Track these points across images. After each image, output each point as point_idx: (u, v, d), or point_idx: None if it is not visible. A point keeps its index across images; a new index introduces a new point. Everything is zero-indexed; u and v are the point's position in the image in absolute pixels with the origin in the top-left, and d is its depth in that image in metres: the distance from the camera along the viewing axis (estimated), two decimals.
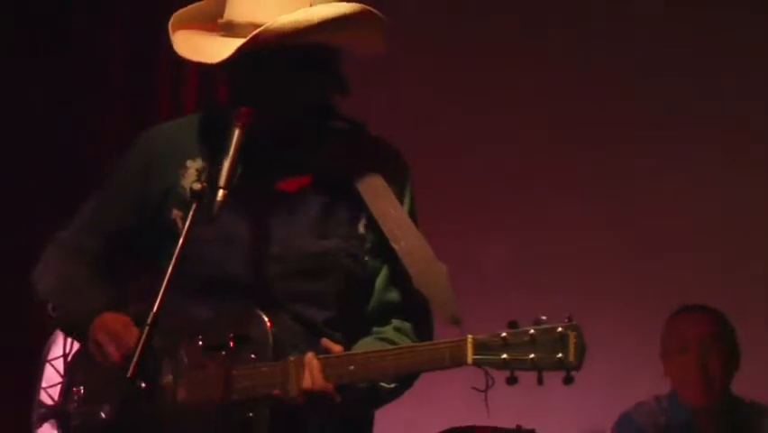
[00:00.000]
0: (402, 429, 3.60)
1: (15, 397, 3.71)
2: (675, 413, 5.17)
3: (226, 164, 3.06)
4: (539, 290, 5.64)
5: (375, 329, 3.22)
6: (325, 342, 3.07)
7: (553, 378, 5.31)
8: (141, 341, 2.95)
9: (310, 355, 3.04)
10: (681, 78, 6.08)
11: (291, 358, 3.04)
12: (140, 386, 3.02)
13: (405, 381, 3.14)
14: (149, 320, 2.96)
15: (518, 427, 4.91)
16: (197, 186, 3.02)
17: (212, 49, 3.16)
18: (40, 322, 3.45)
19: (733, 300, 5.47)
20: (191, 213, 3.03)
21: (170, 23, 3.24)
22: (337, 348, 3.05)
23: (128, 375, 2.92)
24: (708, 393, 5.08)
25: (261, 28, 3.05)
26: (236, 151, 3.08)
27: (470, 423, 4.91)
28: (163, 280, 2.98)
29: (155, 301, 2.98)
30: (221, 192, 3.02)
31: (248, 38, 3.05)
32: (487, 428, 4.86)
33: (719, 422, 5.15)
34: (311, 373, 3.02)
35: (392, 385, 3.11)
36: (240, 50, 3.06)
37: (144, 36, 5.85)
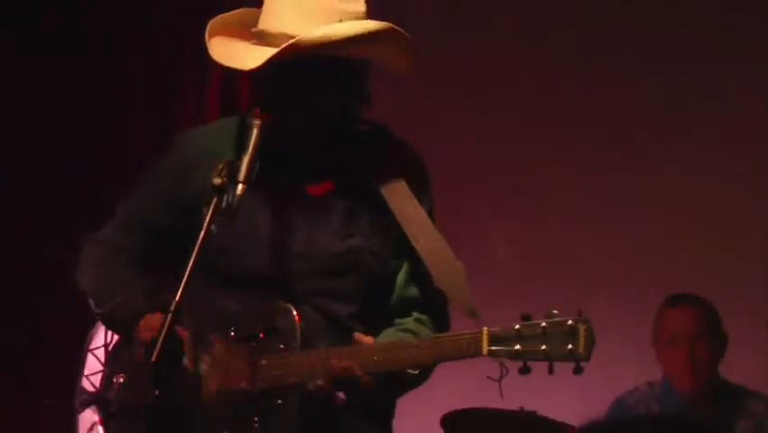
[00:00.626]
0: (409, 412, 3.68)
1: (60, 385, 3.73)
2: (666, 399, 5.23)
3: (245, 160, 3.09)
4: (547, 282, 5.65)
5: (397, 321, 3.27)
6: (358, 335, 3.15)
7: (560, 366, 5.41)
8: (165, 327, 3.00)
9: (339, 347, 3.12)
10: (681, 77, 6.05)
11: (321, 348, 3.12)
12: (163, 369, 3.05)
13: (427, 368, 3.18)
14: (171, 308, 3.00)
15: (521, 408, 4.91)
16: (218, 181, 3.07)
17: (245, 56, 3.22)
18: (83, 314, 3.53)
19: (727, 288, 5.54)
20: (212, 206, 3.07)
21: (207, 29, 3.30)
22: (368, 339, 3.13)
23: (152, 359, 2.98)
24: (697, 381, 5.15)
25: (294, 39, 3.12)
26: (254, 148, 3.12)
27: (475, 405, 4.96)
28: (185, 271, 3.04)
29: (178, 290, 3.02)
30: (240, 186, 3.06)
31: (281, 48, 3.12)
32: (491, 409, 4.90)
33: (708, 406, 5.20)
34: (340, 362, 3.09)
35: (416, 372, 3.14)
36: (272, 59, 3.12)
37: (173, 45, 5.90)
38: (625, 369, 5.41)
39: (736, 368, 5.28)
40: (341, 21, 3.16)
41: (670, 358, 5.19)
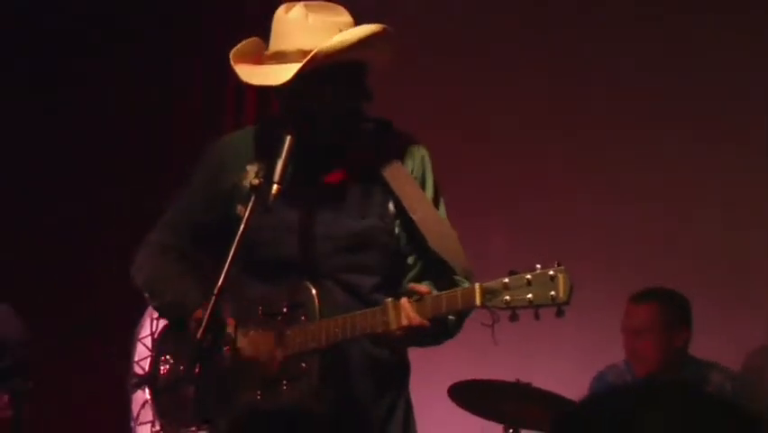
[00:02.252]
0: (420, 382, 3.58)
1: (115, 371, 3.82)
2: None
3: (279, 164, 3.24)
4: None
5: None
6: (413, 285, 3.24)
7: (550, 341, 5.38)
8: (209, 309, 3.14)
9: (404, 300, 3.18)
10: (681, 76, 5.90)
11: (389, 301, 3.19)
12: (207, 346, 3.18)
13: (461, 317, 3.28)
14: (215, 291, 3.15)
15: (517, 380, 4.95)
16: (256, 181, 3.21)
17: (273, 74, 3.31)
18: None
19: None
20: (250, 204, 3.20)
21: (231, 57, 3.40)
22: (424, 289, 3.20)
23: (198, 337, 3.14)
24: (641, 368, 5.17)
25: (316, 50, 3.25)
26: (288, 153, 3.26)
27: (478, 377, 5.03)
28: (227, 260, 3.17)
29: (220, 277, 3.16)
30: (275, 187, 3.21)
31: (307, 59, 3.24)
32: (490, 380, 5.01)
33: (672, 375, 5.11)
34: (407, 313, 3.17)
35: (453, 318, 3.26)
36: (301, 70, 3.24)
37: (216, 65, 5.74)
38: (610, 349, 5.35)
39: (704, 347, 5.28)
40: (341, 31, 3.31)
41: (627, 345, 5.24)
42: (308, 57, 3.24)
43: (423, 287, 3.21)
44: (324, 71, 3.30)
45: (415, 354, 3.48)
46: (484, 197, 5.96)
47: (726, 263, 5.70)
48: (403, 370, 3.48)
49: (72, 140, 6.15)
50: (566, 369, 5.46)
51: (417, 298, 3.18)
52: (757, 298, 5.59)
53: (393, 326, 3.18)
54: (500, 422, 5.09)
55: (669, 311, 5.21)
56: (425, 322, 3.16)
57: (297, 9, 3.36)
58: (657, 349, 5.18)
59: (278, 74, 3.30)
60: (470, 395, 5.09)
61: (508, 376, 5.00)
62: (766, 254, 5.62)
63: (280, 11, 3.39)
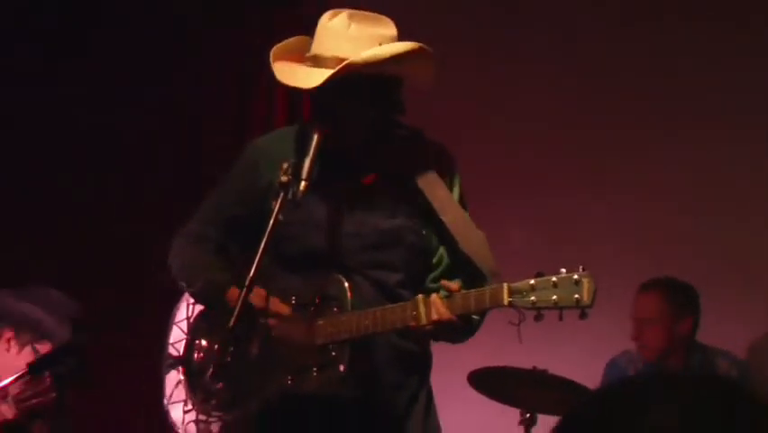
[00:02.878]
0: (441, 370, 3.64)
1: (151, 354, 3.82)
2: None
3: (307, 162, 3.26)
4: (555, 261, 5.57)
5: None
6: (444, 282, 3.27)
7: (564, 330, 5.41)
8: (240, 299, 3.17)
9: (435, 296, 3.22)
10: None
11: (420, 297, 3.23)
12: (236, 334, 3.19)
13: (483, 316, 3.31)
14: (246, 283, 3.18)
15: (534, 367, 4.98)
16: (284, 178, 3.23)
17: (305, 76, 3.35)
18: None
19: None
20: (279, 200, 3.22)
21: (271, 55, 3.44)
22: (455, 286, 3.24)
23: (229, 325, 3.16)
24: (645, 355, 5.24)
25: (348, 60, 3.27)
26: (315, 152, 3.28)
27: (497, 364, 5.02)
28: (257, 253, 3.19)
29: (251, 268, 3.19)
30: (303, 184, 3.23)
31: (337, 68, 3.27)
32: (508, 368, 5.01)
33: (678, 363, 5.20)
34: (437, 308, 3.21)
35: (477, 317, 3.29)
36: (331, 78, 3.27)
37: (248, 69, 5.99)
38: (622, 337, 5.33)
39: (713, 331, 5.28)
40: (380, 44, 3.33)
41: (631, 333, 5.26)
42: (340, 66, 3.27)
43: (454, 284, 3.24)
44: (355, 81, 3.32)
45: (437, 344, 3.50)
46: (501, 192, 5.95)
47: (735, 254, 5.72)
48: (426, 361, 3.52)
49: (108, 134, 6.16)
50: (580, 356, 5.46)
51: (447, 294, 3.22)
52: (764, 287, 5.65)
53: (424, 320, 3.22)
54: (518, 407, 5.10)
55: (673, 300, 5.22)
56: (454, 318, 3.20)
57: (341, 17, 3.38)
58: (661, 337, 5.21)
59: (310, 78, 3.34)
60: (488, 382, 5.11)
61: (525, 364, 5.00)
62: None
63: (325, 17, 3.42)
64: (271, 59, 3.44)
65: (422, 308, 3.23)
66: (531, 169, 6.10)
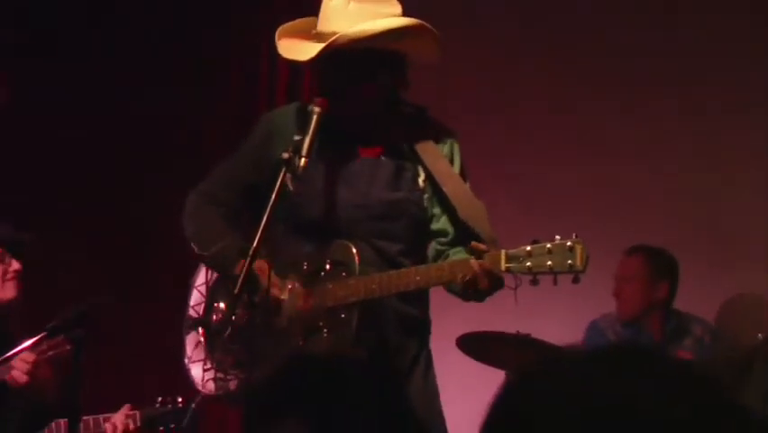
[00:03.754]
0: (432, 334, 3.65)
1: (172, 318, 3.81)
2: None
3: (307, 139, 3.27)
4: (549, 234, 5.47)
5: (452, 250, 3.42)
6: (474, 244, 3.22)
7: (546, 298, 5.36)
8: (245, 267, 3.20)
9: (473, 260, 3.18)
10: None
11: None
12: (244, 299, 3.25)
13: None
14: (250, 252, 3.20)
15: (517, 332, 5.06)
16: (285, 155, 3.25)
17: (303, 50, 3.40)
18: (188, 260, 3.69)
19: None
20: (281, 175, 3.24)
21: (277, 33, 3.48)
22: (483, 246, 3.20)
23: (235, 291, 3.21)
24: (623, 313, 5.35)
25: (337, 35, 3.31)
26: (315, 127, 3.28)
27: (484, 329, 5.13)
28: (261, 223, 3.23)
29: (255, 238, 3.22)
30: (303, 160, 3.24)
31: (327, 42, 3.31)
32: (494, 332, 5.11)
33: (655, 327, 5.35)
34: (482, 266, 3.17)
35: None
36: (322, 51, 3.31)
37: (252, 45, 6.03)
38: (602, 303, 5.44)
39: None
40: (360, 17, 3.35)
41: (613, 290, 5.38)
42: (330, 40, 3.31)
43: (482, 245, 3.21)
44: (351, 55, 3.34)
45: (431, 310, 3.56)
46: (496, 169, 5.99)
47: (713, 227, 5.85)
48: (425, 325, 3.56)
49: (128, 121, 6.22)
50: (560, 321, 5.55)
51: (478, 255, 3.20)
52: (737, 260, 5.76)
53: (478, 280, 3.19)
54: (502, 369, 5.19)
55: (653, 264, 5.33)
56: (500, 272, 3.16)
57: None
58: (638, 296, 5.32)
59: (305, 51, 3.38)
60: (475, 345, 5.19)
61: (509, 329, 5.09)
62: (745, 222, 5.79)
63: None
64: (276, 37, 3.48)
65: (465, 271, 3.20)
66: (526, 146, 6.16)
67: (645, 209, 5.94)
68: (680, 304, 5.41)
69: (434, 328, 3.62)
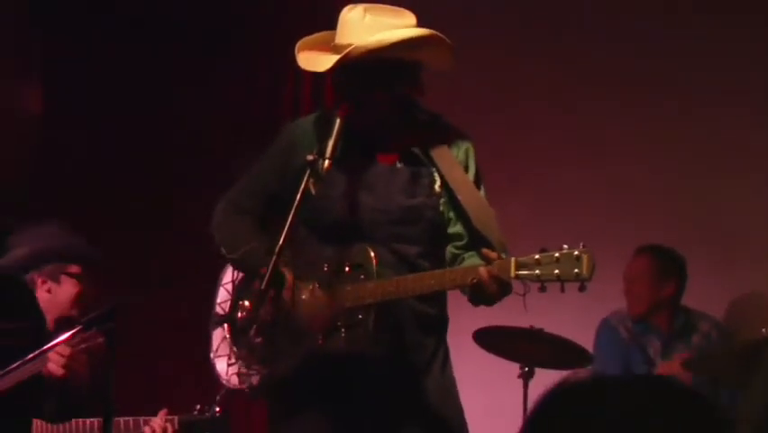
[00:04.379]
0: (450, 328, 3.68)
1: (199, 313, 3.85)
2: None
3: (330, 142, 3.33)
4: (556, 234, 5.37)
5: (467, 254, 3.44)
6: (485, 251, 3.27)
7: (559, 294, 5.28)
8: (270, 266, 3.27)
9: (483, 269, 3.22)
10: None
11: (481, 267, 3.24)
12: (269, 296, 3.32)
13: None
14: (276, 250, 3.28)
15: (531, 326, 5.11)
16: (310, 157, 3.32)
17: (321, 62, 3.45)
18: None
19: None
20: (306, 176, 3.31)
21: (297, 46, 3.52)
22: (494, 254, 3.24)
23: (261, 288, 3.29)
24: (633, 310, 5.42)
25: (352, 47, 3.36)
26: (338, 133, 3.34)
27: (499, 323, 5.08)
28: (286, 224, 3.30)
29: (280, 238, 3.29)
30: (327, 162, 3.31)
31: (343, 53, 3.36)
32: (508, 327, 5.13)
33: (668, 323, 5.42)
34: (490, 273, 3.21)
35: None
36: (338, 62, 3.37)
37: (279, 59, 6.02)
38: (612, 300, 5.46)
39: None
40: (374, 30, 3.40)
41: (623, 289, 5.45)
42: (346, 51, 3.35)
43: (493, 253, 3.25)
44: (367, 66, 3.39)
45: (449, 307, 3.59)
46: (502, 171, 5.87)
47: (720, 225, 5.82)
48: (442, 322, 3.59)
49: (165, 119, 6.27)
50: (572, 317, 5.51)
51: (488, 261, 3.25)
52: (745, 259, 5.77)
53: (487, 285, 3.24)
54: (517, 362, 5.26)
55: (660, 264, 5.39)
56: (508, 279, 3.21)
57: (358, 10, 3.45)
58: (646, 294, 5.39)
59: (323, 63, 3.42)
60: (491, 339, 5.24)
61: (524, 323, 5.10)
62: (751, 222, 5.80)
63: (345, 10, 3.50)
64: (297, 50, 3.53)
65: (478, 277, 3.24)
66: (532, 147, 6.15)
67: (649, 208, 5.96)
68: (688, 301, 5.46)
69: (451, 324, 3.65)
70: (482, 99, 6.13)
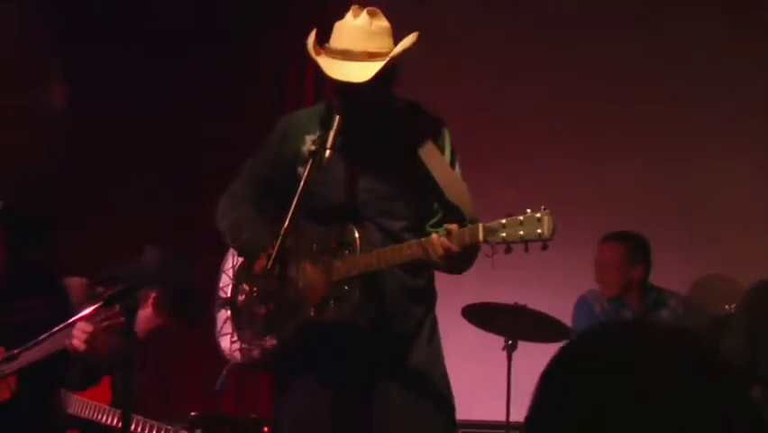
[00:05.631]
0: (439, 304, 3.71)
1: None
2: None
3: (331, 134, 3.40)
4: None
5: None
6: (448, 225, 3.31)
7: (540, 272, 5.33)
8: (276, 246, 3.37)
9: (435, 235, 3.30)
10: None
11: (434, 234, 3.30)
12: (275, 274, 3.41)
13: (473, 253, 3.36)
14: (281, 232, 3.37)
15: (515, 303, 5.15)
16: (312, 147, 3.39)
17: (354, 72, 3.43)
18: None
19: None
20: (308, 165, 3.39)
21: (311, 50, 3.50)
22: (453, 226, 3.29)
23: (268, 267, 3.38)
24: (606, 292, 5.43)
25: (393, 54, 3.42)
26: (338, 126, 3.42)
27: (485, 300, 5.20)
28: (290, 209, 3.38)
29: (286, 221, 3.38)
30: (328, 152, 3.39)
31: (386, 61, 3.41)
32: (494, 303, 5.18)
33: (639, 300, 5.42)
34: (442, 244, 3.28)
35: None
36: (381, 72, 3.41)
37: (282, 58, 6.20)
38: (589, 278, 5.49)
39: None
40: (390, 35, 3.49)
41: (595, 275, 5.47)
42: (387, 60, 3.41)
43: (454, 226, 3.30)
44: (387, 67, 3.44)
45: (438, 284, 3.66)
46: (486, 155, 5.99)
47: (683, 213, 5.95)
48: (429, 294, 3.64)
49: (178, 113, 6.35)
50: (552, 294, 5.60)
51: (445, 232, 3.31)
52: (706, 241, 5.89)
53: (433, 255, 3.29)
54: (501, 336, 5.30)
55: (628, 250, 5.40)
56: (456, 248, 3.26)
57: (364, 16, 3.48)
58: (617, 278, 5.40)
59: (360, 73, 3.42)
60: (478, 315, 5.25)
61: (508, 300, 5.18)
62: (712, 208, 5.90)
63: (349, 15, 3.51)
64: (313, 54, 3.50)
65: (429, 247, 3.31)
66: (519, 140, 6.19)
67: (624, 197, 5.98)
68: (658, 281, 5.48)
69: (441, 301, 3.69)
70: (480, 98, 6.14)
